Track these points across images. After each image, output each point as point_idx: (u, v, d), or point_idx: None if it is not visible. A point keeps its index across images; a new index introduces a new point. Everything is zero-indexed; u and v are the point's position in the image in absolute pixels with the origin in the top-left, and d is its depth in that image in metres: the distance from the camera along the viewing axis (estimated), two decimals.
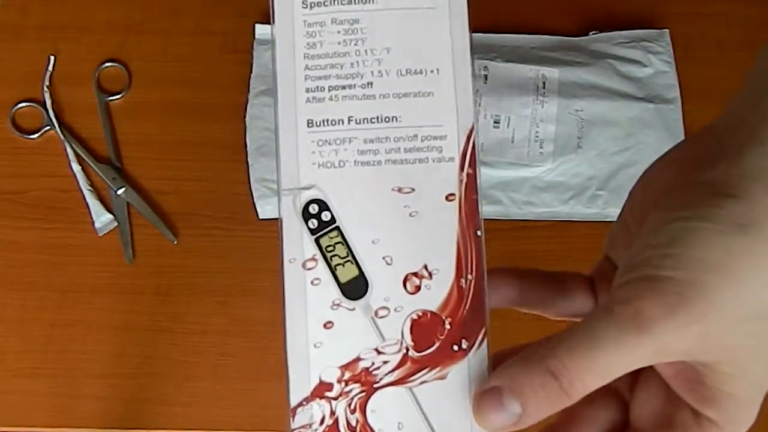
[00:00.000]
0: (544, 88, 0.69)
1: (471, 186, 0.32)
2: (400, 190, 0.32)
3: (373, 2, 0.32)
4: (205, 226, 0.69)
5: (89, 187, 0.69)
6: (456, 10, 0.32)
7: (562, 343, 0.28)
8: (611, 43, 0.72)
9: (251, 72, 0.71)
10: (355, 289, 0.31)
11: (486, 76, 0.70)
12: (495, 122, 0.68)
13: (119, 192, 0.69)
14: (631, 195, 0.34)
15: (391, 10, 0.32)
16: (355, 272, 0.31)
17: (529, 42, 0.72)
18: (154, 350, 0.65)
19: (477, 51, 0.70)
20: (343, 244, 0.31)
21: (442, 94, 0.32)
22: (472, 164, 0.32)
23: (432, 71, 0.32)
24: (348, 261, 0.31)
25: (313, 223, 0.31)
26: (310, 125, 0.32)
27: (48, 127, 0.71)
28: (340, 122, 0.32)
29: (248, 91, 0.71)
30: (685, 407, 0.30)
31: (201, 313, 0.66)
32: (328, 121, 0.32)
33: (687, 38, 0.73)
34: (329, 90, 0.32)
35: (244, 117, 0.70)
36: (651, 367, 0.31)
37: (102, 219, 0.68)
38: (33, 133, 0.71)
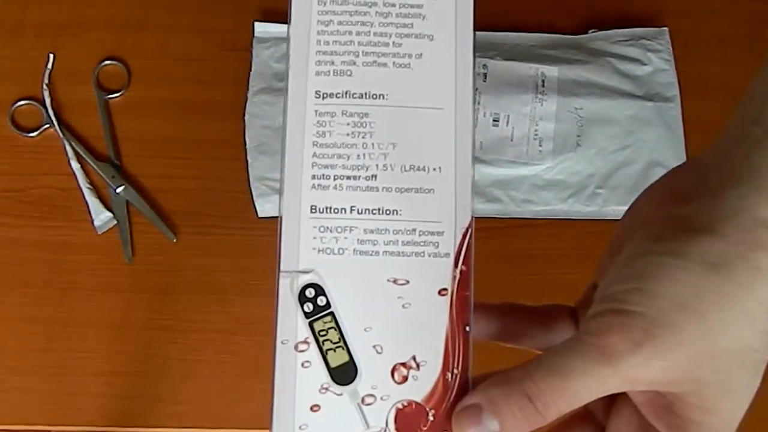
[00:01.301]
0: (543, 86, 0.69)
1: (464, 283, 0.33)
2: (395, 281, 0.33)
3: (383, 98, 0.34)
4: (205, 225, 0.69)
5: (88, 186, 0.69)
6: (462, 114, 0.34)
7: (538, 369, 0.29)
8: (610, 41, 0.72)
9: (250, 70, 0.71)
10: (345, 374, 0.32)
11: (485, 75, 0.70)
12: (494, 120, 0.68)
13: (118, 190, 0.69)
14: (621, 224, 0.34)
15: (400, 107, 0.34)
16: (346, 358, 0.32)
17: (529, 40, 0.72)
18: (154, 348, 0.65)
19: (477, 49, 0.70)
20: (336, 330, 0.32)
21: (443, 192, 0.33)
22: (467, 262, 0.33)
23: (434, 169, 0.33)
24: (339, 346, 0.32)
25: (309, 306, 0.32)
26: (313, 211, 0.33)
27: (47, 125, 0.71)
28: (343, 211, 0.33)
29: (247, 89, 0.71)
30: None
31: (200, 311, 0.66)
32: (330, 208, 0.33)
33: (686, 36, 0.73)
34: (334, 179, 0.33)
35: (244, 115, 0.70)
36: (624, 393, 0.32)
37: (101, 217, 0.68)
38: (32, 131, 0.71)
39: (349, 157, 0.33)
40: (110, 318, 0.66)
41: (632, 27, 0.73)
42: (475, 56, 0.34)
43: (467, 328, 0.32)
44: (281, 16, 0.73)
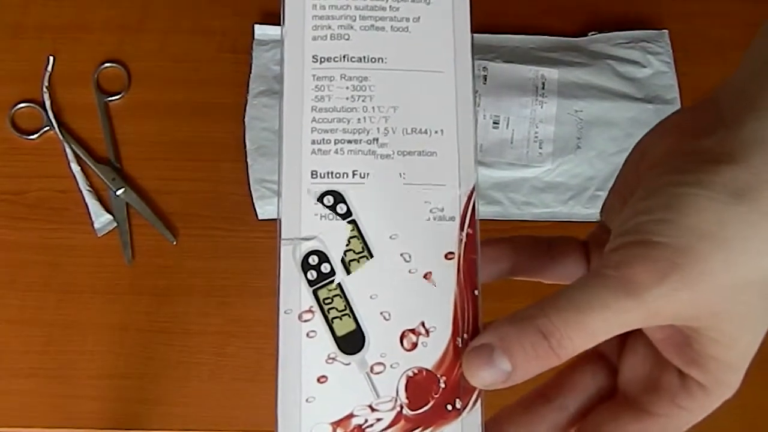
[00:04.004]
0: (543, 88, 0.69)
1: (470, 246, 0.32)
2: None
3: (382, 62, 0.33)
4: (205, 227, 0.69)
5: (88, 188, 0.69)
6: (462, 77, 0.33)
7: (553, 304, 0.28)
8: (610, 43, 0.72)
9: (250, 72, 0.71)
10: (352, 343, 0.31)
11: (485, 77, 0.70)
12: (494, 123, 0.68)
13: (118, 192, 0.69)
14: (627, 162, 0.34)
15: (399, 70, 0.33)
16: (352, 326, 0.31)
17: (529, 42, 0.72)
18: (153, 351, 0.65)
19: (476, 51, 0.70)
20: (341, 297, 0.31)
21: (446, 155, 0.32)
22: (472, 224, 0.32)
23: (436, 132, 0.33)
24: (345, 314, 0.31)
25: (312, 274, 0.31)
26: (314, 176, 0.32)
27: (47, 128, 0.71)
28: (345, 175, 0.32)
29: (247, 92, 0.71)
30: (672, 370, 0.31)
31: (200, 314, 0.66)
32: (332, 173, 0.32)
33: (686, 39, 0.73)
34: (335, 143, 0.32)
35: (244, 117, 0.70)
36: (639, 330, 0.31)
37: (101, 219, 0.68)
38: (32, 134, 0.71)
39: (349, 121, 0.32)
40: (110, 320, 0.66)
41: (632, 29, 0.73)
42: (472, 18, 0.34)
43: (476, 292, 0.31)
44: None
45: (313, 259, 0.31)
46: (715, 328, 0.28)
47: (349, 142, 0.32)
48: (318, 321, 0.31)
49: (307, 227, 0.31)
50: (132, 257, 0.68)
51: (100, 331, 0.66)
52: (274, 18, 0.73)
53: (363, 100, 0.33)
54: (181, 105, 0.72)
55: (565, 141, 0.68)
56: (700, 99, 0.32)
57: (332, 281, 0.31)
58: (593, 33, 0.73)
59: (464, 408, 0.31)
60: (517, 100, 0.69)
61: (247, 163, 0.69)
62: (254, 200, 0.68)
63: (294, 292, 0.31)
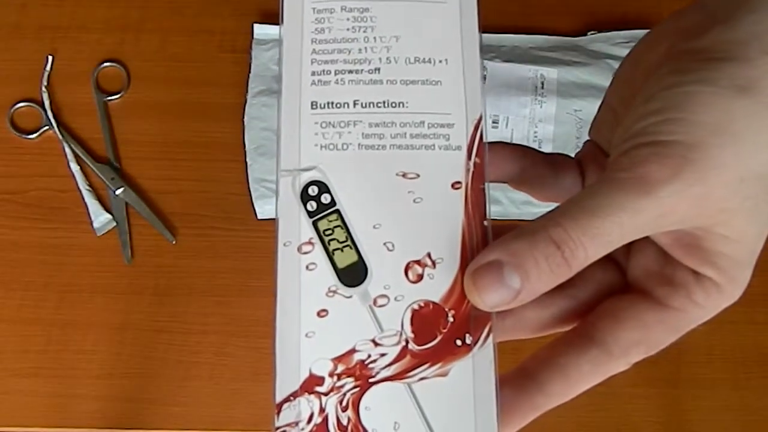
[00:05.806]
0: (542, 88, 0.69)
1: (478, 175, 0.31)
2: (404, 175, 0.30)
3: None
4: (204, 226, 0.69)
5: (88, 187, 0.69)
6: (466, 4, 0.32)
7: (564, 213, 0.28)
8: (610, 43, 0.72)
9: (250, 72, 0.71)
10: (353, 275, 0.29)
11: (484, 76, 0.70)
12: (493, 122, 0.68)
13: (118, 192, 0.69)
14: (617, 76, 0.33)
15: (401, 0, 0.32)
16: (354, 258, 0.30)
17: (528, 42, 0.72)
18: (153, 350, 0.65)
19: None
20: (342, 228, 0.30)
21: (451, 84, 0.32)
22: (480, 154, 0.31)
23: (441, 61, 0.32)
24: (347, 246, 0.30)
25: (312, 205, 0.30)
26: (314, 107, 0.31)
27: (46, 127, 0.71)
28: (346, 105, 0.31)
29: (247, 91, 0.71)
30: (685, 268, 0.30)
31: (199, 313, 0.66)
32: (333, 103, 0.31)
33: None
34: (335, 74, 0.32)
35: (243, 117, 0.70)
36: (644, 238, 0.30)
37: (100, 219, 0.68)
38: (31, 133, 0.71)
39: (350, 51, 0.32)
40: (109, 320, 0.66)
41: (631, 29, 0.73)
42: None
43: (485, 223, 0.30)
44: None
45: (313, 190, 0.30)
46: (723, 224, 0.28)
47: (350, 72, 0.31)
48: (318, 253, 0.30)
49: (307, 157, 0.31)
50: (131, 257, 0.68)
51: (99, 331, 0.66)
52: (274, 18, 0.73)
53: (364, 31, 0.32)
54: (181, 104, 0.72)
55: (564, 140, 0.68)
56: (685, 6, 0.31)
57: (333, 212, 0.30)
58: (592, 32, 0.73)
59: (475, 343, 0.29)
60: (516, 99, 0.69)
61: (246, 162, 0.69)
62: (253, 200, 0.68)
63: (293, 223, 0.30)
